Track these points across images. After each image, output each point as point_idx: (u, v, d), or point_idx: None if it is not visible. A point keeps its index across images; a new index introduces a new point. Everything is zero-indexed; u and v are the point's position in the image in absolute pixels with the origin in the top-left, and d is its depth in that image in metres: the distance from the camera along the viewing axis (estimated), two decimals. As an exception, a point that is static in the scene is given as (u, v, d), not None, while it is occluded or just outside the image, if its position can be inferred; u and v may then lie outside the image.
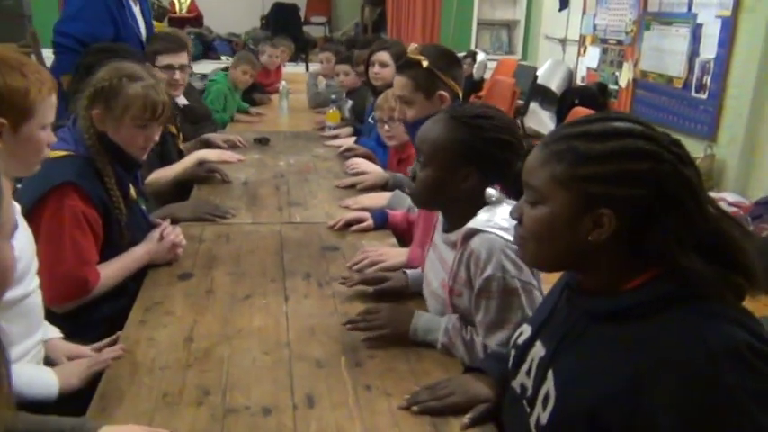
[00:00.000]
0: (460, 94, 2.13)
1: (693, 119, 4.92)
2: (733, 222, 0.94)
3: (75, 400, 1.33)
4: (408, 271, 1.76)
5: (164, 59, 2.80)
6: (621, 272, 0.97)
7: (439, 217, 1.64)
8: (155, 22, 8.54)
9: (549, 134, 1.03)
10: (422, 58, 2.05)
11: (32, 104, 1.32)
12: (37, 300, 1.41)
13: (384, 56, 3.19)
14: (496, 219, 1.41)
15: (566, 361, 1.01)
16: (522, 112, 6.28)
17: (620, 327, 0.94)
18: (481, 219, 1.42)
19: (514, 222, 1.38)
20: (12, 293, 1.30)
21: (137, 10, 3.15)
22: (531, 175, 1.02)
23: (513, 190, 1.46)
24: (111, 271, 1.74)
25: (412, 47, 2.11)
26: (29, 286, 1.36)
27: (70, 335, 1.55)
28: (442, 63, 2.07)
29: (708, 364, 0.82)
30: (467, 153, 1.44)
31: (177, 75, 2.81)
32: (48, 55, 5.32)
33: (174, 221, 2.18)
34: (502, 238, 1.37)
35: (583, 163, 0.93)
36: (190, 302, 1.66)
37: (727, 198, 4.56)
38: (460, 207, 1.50)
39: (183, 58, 2.84)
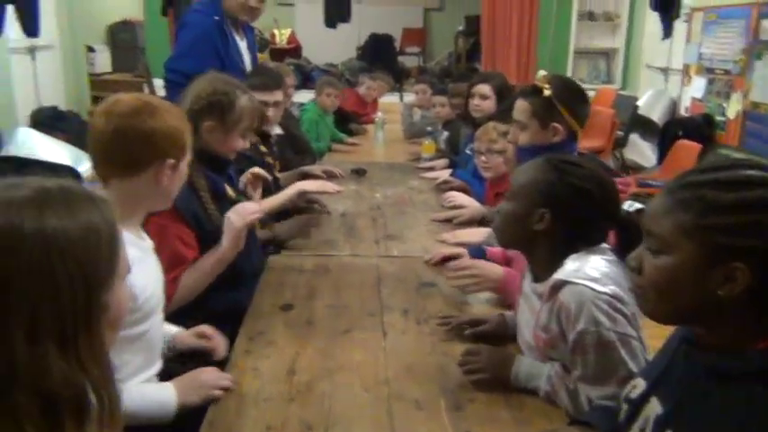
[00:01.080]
0: (579, 132, 2.08)
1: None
2: None
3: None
4: (506, 313, 1.73)
5: (258, 96, 2.91)
6: (749, 329, 0.91)
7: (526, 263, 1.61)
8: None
9: (674, 181, 0.99)
10: (545, 86, 2.04)
11: (186, 142, 1.47)
12: (159, 332, 1.49)
13: (485, 88, 3.19)
14: (586, 269, 1.36)
15: (687, 421, 0.96)
16: (621, 143, 6.09)
17: (751, 389, 0.88)
18: (569, 269, 1.38)
19: (604, 271, 1.34)
20: (139, 328, 1.38)
21: (242, 44, 3.30)
22: (654, 223, 0.98)
23: (586, 240, 1.43)
24: (189, 280, 1.77)
25: (540, 74, 2.10)
26: (155, 320, 1.44)
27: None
28: (565, 96, 2.04)
29: None
30: (544, 193, 1.43)
31: (270, 111, 2.90)
32: (159, 84, 5.67)
33: (279, 243, 2.27)
34: (592, 289, 1.32)
35: (712, 213, 0.89)
36: (291, 333, 1.70)
37: None
38: (540, 252, 1.47)
39: (277, 95, 2.93)
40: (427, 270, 2.16)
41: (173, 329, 1.62)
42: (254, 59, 3.44)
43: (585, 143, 5.79)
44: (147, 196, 1.46)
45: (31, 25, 4.70)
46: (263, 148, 2.97)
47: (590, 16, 7.58)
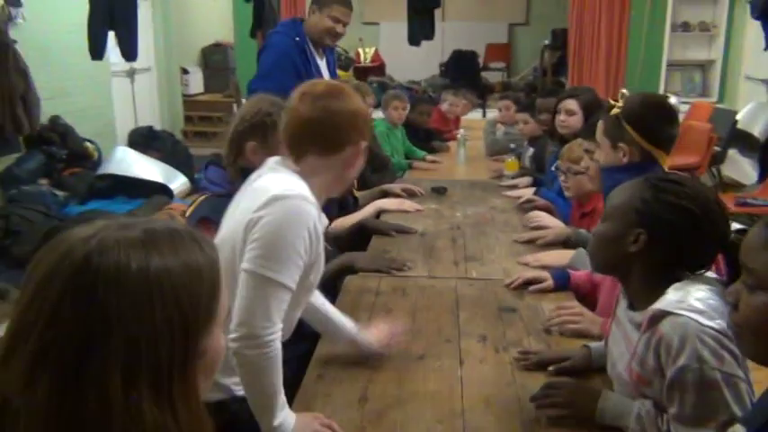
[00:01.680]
0: (656, 154, 1.94)
1: None
2: None
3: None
4: (592, 345, 1.62)
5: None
6: None
7: (621, 287, 1.50)
8: (340, 72, 9.08)
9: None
10: (617, 104, 1.93)
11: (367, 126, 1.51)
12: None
13: (572, 104, 3.06)
14: (690, 299, 1.24)
15: None
16: (719, 159, 5.75)
17: None
18: (671, 299, 1.26)
19: (711, 304, 1.22)
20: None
21: (322, 64, 3.34)
22: (750, 257, 0.89)
23: (688, 266, 1.32)
24: None
25: (622, 92, 2.00)
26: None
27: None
28: (636, 115, 1.92)
29: None
30: (639, 212, 1.32)
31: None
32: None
33: (352, 271, 2.23)
34: (697, 322, 1.20)
35: None
36: (365, 359, 1.66)
37: None
38: (636, 277, 1.36)
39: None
40: (508, 294, 2.08)
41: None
42: (333, 78, 3.47)
43: (680, 160, 5.51)
44: (336, 177, 1.49)
45: (129, 50, 4.95)
46: None
47: (684, 27, 7.23)
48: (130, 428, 0.66)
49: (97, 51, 4.79)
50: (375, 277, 2.19)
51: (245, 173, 1.76)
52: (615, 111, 1.92)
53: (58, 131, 5.44)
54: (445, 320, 1.89)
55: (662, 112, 1.95)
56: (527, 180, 3.55)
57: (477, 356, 1.68)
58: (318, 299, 1.67)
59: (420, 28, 5.94)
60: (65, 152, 5.44)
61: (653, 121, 1.95)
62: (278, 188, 1.38)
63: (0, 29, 4.68)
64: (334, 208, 2.80)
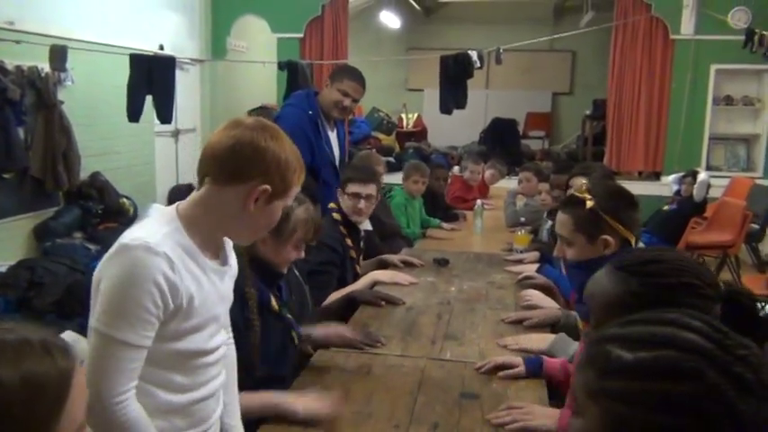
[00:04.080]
0: (633, 240, 1.91)
1: None
2: None
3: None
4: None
5: (353, 187, 2.97)
6: None
7: None
8: (382, 135, 9.19)
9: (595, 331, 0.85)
10: (587, 197, 1.89)
11: (290, 186, 1.40)
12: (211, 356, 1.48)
13: (582, 181, 3.02)
14: None
15: None
16: (756, 237, 5.52)
17: None
18: None
19: None
20: (184, 342, 1.38)
21: (332, 135, 3.41)
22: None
23: None
24: None
25: (578, 183, 1.96)
26: (203, 336, 1.42)
27: None
28: (611, 205, 1.89)
29: None
30: (642, 306, 1.16)
31: (362, 204, 2.96)
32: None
33: (325, 346, 2.21)
34: None
35: (611, 375, 0.75)
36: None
37: None
38: None
39: (370, 189, 3.00)
40: (475, 378, 2.01)
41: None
42: (342, 151, 3.54)
43: (713, 237, 5.32)
44: (230, 214, 1.37)
45: (165, 113, 5.18)
46: (348, 242, 2.99)
47: (727, 100, 7.09)
48: None
49: (134, 114, 5.03)
50: (343, 353, 2.16)
51: (252, 262, 1.86)
52: (590, 203, 1.88)
53: (97, 187, 5.67)
54: (401, 404, 1.83)
55: (629, 198, 1.93)
56: (534, 255, 3.48)
57: (421, 446, 1.62)
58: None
59: (452, 97, 5.99)
60: (101, 207, 5.64)
61: (625, 207, 1.91)
62: (126, 237, 1.31)
63: (49, 90, 4.97)
64: (332, 282, 2.81)
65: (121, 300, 1.27)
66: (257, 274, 1.90)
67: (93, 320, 1.29)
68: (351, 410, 1.78)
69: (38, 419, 0.71)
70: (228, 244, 1.52)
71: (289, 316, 2.03)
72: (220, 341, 1.50)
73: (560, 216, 1.95)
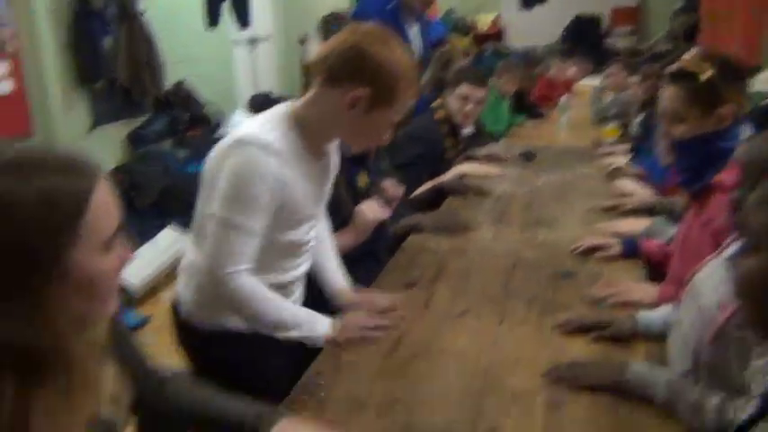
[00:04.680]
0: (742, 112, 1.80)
1: None
2: None
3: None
4: (640, 315, 1.54)
5: (464, 89, 2.89)
6: None
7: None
8: (458, 38, 8.90)
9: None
10: (703, 67, 1.78)
11: (397, 98, 1.39)
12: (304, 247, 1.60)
13: (693, 52, 2.86)
14: None
15: None
16: None
17: None
18: None
19: None
20: (287, 234, 1.50)
21: (413, 31, 3.33)
22: None
23: None
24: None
25: (691, 53, 1.84)
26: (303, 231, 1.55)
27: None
28: (729, 74, 1.77)
29: None
30: None
31: (470, 107, 2.90)
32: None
33: (417, 230, 2.25)
34: None
35: None
36: (406, 312, 1.68)
37: None
38: None
39: (481, 93, 2.93)
40: (569, 259, 2.01)
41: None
42: (424, 46, 3.46)
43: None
44: (335, 117, 1.41)
45: (243, 17, 5.17)
46: (448, 143, 2.97)
47: (841, -17, 6.43)
48: None
49: (212, 20, 5.05)
50: (438, 237, 2.19)
51: None
52: (707, 74, 1.77)
53: (181, 95, 5.81)
54: (496, 282, 1.86)
55: (742, 68, 1.81)
56: (624, 148, 3.38)
57: (519, 318, 1.65)
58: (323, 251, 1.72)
59: (534, -9, 5.72)
60: (187, 114, 5.81)
61: (742, 78, 1.80)
62: (242, 133, 1.39)
63: (129, 2, 5.04)
64: (425, 176, 2.81)
65: (238, 191, 1.36)
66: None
67: (213, 208, 1.39)
68: (448, 286, 1.83)
69: (54, 235, 0.74)
70: (334, 144, 1.58)
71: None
72: (314, 234, 1.61)
73: (671, 91, 1.84)
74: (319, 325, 1.47)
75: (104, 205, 0.79)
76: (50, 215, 0.73)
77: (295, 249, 1.56)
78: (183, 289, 1.57)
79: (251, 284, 1.42)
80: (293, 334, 1.45)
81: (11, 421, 0.72)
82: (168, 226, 4.12)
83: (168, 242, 3.93)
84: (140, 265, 3.54)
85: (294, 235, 1.52)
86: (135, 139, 5.42)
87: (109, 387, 0.94)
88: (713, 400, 1.17)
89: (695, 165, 1.74)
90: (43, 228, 0.73)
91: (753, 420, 0.91)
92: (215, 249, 1.39)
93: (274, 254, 1.50)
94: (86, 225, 0.77)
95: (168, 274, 3.64)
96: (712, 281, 1.31)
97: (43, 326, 0.74)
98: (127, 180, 4.69)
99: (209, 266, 1.41)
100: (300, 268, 1.61)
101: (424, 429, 1.22)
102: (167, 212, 4.36)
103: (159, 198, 4.65)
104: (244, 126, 1.43)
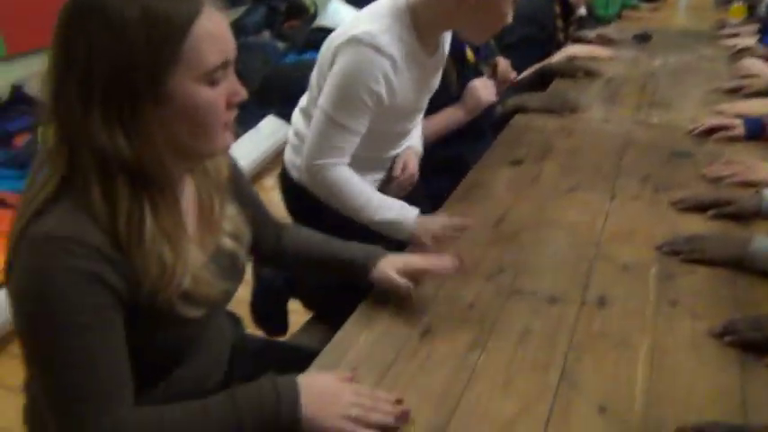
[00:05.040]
0: None
1: None
2: None
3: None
4: (766, 192, 1.46)
5: None
6: None
7: None
8: None
9: None
10: None
11: None
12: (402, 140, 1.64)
13: None
14: None
15: None
16: None
17: None
18: None
19: None
20: (388, 125, 1.52)
21: None
22: None
23: None
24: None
25: None
26: (405, 125, 1.59)
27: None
28: None
29: None
30: None
31: None
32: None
33: (523, 110, 2.19)
34: None
35: None
36: (513, 187, 1.66)
37: None
38: None
39: None
40: (688, 139, 1.91)
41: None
42: None
43: None
44: (450, 6, 1.38)
45: None
46: (559, 23, 2.83)
47: None
48: (83, 142, 0.76)
49: None
50: (544, 117, 2.13)
51: None
52: None
53: (279, -16, 5.78)
54: (608, 160, 1.80)
55: None
56: (752, 28, 3.10)
57: (632, 194, 1.60)
58: None
59: None
60: (284, 5, 5.79)
61: None
62: (358, 30, 1.34)
63: None
64: (533, 60, 2.69)
65: (346, 89, 1.36)
66: None
67: (321, 100, 1.41)
68: (556, 163, 1.79)
69: (155, 54, 0.75)
70: (446, 37, 1.55)
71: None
72: (419, 120, 1.63)
73: None
74: (410, 212, 1.43)
75: (209, 35, 0.79)
76: (153, 33, 0.75)
77: (398, 138, 1.60)
78: (291, 155, 1.62)
79: (345, 174, 1.44)
80: (387, 214, 1.41)
81: (129, 218, 0.78)
82: (269, 115, 4.21)
83: (270, 130, 4.02)
84: (243, 152, 3.65)
85: (400, 126, 1.56)
86: (234, 30, 5.48)
87: (231, 225, 1.00)
88: None
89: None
90: (145, 45, 0.75)
91: None
92: (315, 140, 1.42)
93: (377, 140, 1.51)
94: (188, 50, 0.77)
95: (271, 161, 3.75)
96: None
97: (144, 141, 0.78)
98: (228, 69, 4.80)
99: (307, 154, 1.43)
100: (400, 149, 1.64)
101: (532, 292, 1.23)
102: (268, 102, 4.44)
103: (260, 89, 4.73)
104: (359, 21, 1.40)
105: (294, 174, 1.61)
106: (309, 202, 1.51)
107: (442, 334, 1.10)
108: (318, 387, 0.90)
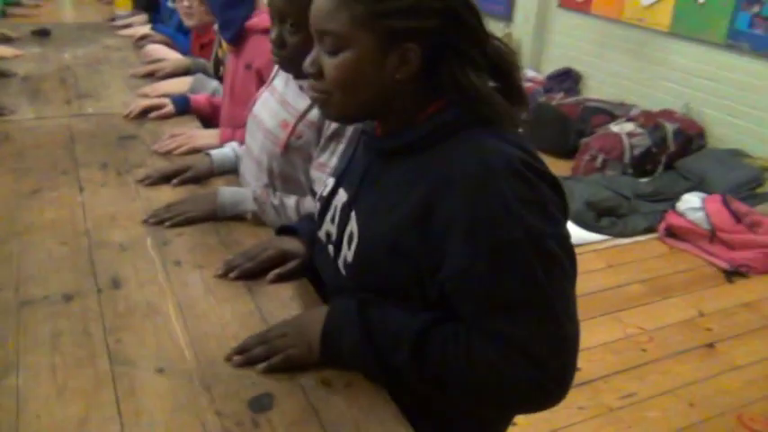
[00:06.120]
0: None
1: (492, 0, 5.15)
2: (508, 49, 0.99)
3: None
4: (212, 152, 1.70)
5: None
6: (419, 103, 0.97)
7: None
8: None
9: None
10: None
11: None
12: None
13: None
14: None
15: (366, 200, 1.04)
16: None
17: (414, 158, 0.97)
18: None
19: None
20: None
21: None
22: (325, 21, 0.95)
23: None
24: None
25: None
26: None
27: None
28: None
29: (487, 176, 0.87)
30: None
31: None
32: None
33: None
34: None
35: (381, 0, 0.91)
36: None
37: (524, 74, 4.88)
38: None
39: None
40: (128, 124, 2.02)
41: None
42: None
43: None
44: None
45: None
46: None
47: None
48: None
49: None
50: None
51: None
52: None
53: None
54: (59, 155, 1.77)
55: None
56: (142, 18, 3.38)
57: (99, 182, 1.63)
58: None
59: None
60: None
61: None
62: None
63: None
64: None
65: None
66: None
67: None
68: (5, 170, 1.66)
69: None
70: None
71: None
72: None
73: None
74: None
75: None
76: None
77: None
78: None
79: None
80: None
81: None
82: None
83: None
84: None
85: None
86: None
87: None
88: (290, 201, 1.43)
89: (229, 17, 1.90)
90: None
91: (333, 191, 1.16)
92: None
93: None
94: None
95: None
96: (269, 108, 1.54)
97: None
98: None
99: None
100: None
101: (44, 298, 1.16)
102: None
103: None
104: None
105: None
106: None
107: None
108: None
